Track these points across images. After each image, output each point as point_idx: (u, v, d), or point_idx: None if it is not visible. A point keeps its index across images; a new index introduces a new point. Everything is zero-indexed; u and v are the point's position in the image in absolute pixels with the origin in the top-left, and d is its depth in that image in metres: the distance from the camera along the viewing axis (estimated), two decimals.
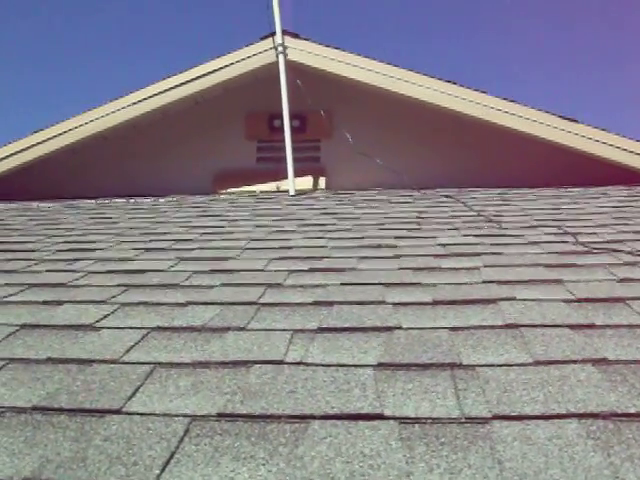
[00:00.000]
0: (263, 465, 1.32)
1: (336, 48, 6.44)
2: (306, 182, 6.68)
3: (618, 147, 5.92)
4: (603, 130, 5.99)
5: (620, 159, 5.92)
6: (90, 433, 1.48)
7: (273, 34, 6.45)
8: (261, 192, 6.61)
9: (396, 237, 3.80)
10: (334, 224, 4.39)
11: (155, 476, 1.29)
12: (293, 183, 6.24)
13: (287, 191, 6.29)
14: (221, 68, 6.50)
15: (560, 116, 6.05)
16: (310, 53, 6.44)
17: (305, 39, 6.52)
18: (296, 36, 6.52)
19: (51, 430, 1.51)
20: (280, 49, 6.34)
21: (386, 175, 6.18)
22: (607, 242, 3.44)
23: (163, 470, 1.31)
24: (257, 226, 4.42)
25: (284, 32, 6.46)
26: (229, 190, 6.75)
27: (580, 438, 1.37)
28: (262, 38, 6.55)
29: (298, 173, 6.35)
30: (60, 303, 2.62)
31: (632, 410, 1.49)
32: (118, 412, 1.59)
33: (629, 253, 3.15)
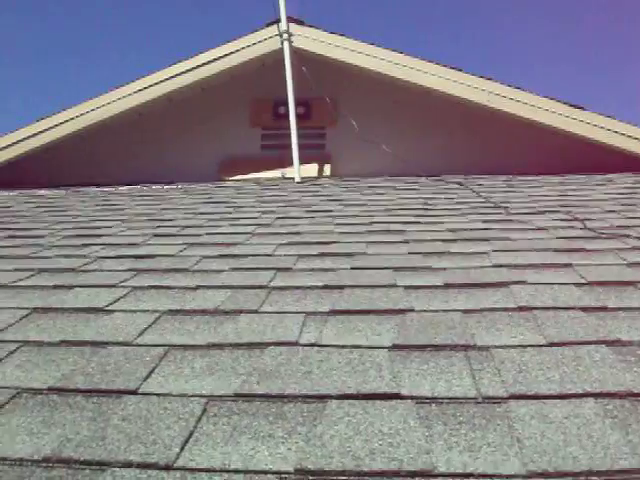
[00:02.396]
0: (282, 443, 1.33)
1: (341, 35, 6.42)
2: (311, 169, 6.67)
3: (624, 134, 5.90)
4: (610, 117, 5.98)
5: (627, 146, 5.90)
6: (107, 413, 1.49)
7: (278, 21, 6.43)
8: (266, 179, 6.59)
9: (404, 222, 3.80)
10: (341, 210, 4.39)
11: (175, 454, 1.30)
12: (298, 170, 6.23)
13: (292, 178, 6.27)
14: (226, 55, 6.48)
15: (567, 103, 6.03)
16: (315, 40, 6.42)
17: (310, 26, 6.50)
18: (301, 23, 6.50)
19: (68, 410, 1.51)
20: (285, 36, 6.32)
21: (392, 162, 6.18)
22: (615, 228, 3.44)
23: (182, 448, 1.32)
24: (264, 212, 4.42)
25: (289, 19, 6.44)
26: (235, 177, 6.74)
27: (597, 417, 1.38)
28: (267, 25, 6.53)
29: (303, 160, 6.34)
30: (71, 287, 2.62)
31: None
32: (134, 393, 1.59)
33: (637, 238, 3.14)
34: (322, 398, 1.52)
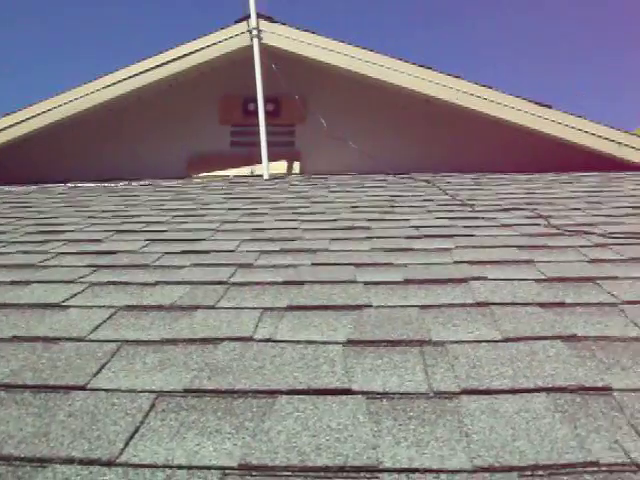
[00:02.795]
0: (228, 439, 1.31)
1: (311, 32, 6.39)
2: (280, 166, 6.65)
3: (592, 133, 5.94)
4: (577, 116, 6.01)
5: (594, 145, 5.94)
6: (54, 409, 1.46)
7: (248, 17, 6.39)
8: (235, 176, 6.56)
9: (369, 220, 3.79)
10: (307, 207, 4.37)
11: (119, 450, 1.28)
12: (267, 167, 6.20)
13: (261, 175, 6.24)
14: (196, 51, 6.43)
15: (534, 102, 6.05)
16: (285, 37, 6.39)
17: (280, 23, 6.47)
18: (271, 20, 6.47)
19: (14, 407, 1.49)
20: (255, 32, 6.28)
21: (360, 160, 6.17)
22: (579, 225, 3.45)
23: (127, 444, 1.30)
24: (230, 209, 4.39)
25: (259, 15, 6.40)
26: (203, 174, 6.70)
27: (548, 411, 1.38)
28: (237, 21, 6.48)
29: (272, 157, 6.32)
30: (28, 283, 2.58)
31: (600, 384, 1.49)
32: (83, 388, 1.57)
33: (600, 235, 3.16)
34: (272, 393, 1.50)
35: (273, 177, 6.21)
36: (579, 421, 1.33)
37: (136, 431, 1.35)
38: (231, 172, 6.67)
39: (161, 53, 6.48)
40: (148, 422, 1.39)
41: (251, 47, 6.30)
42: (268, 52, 6.32)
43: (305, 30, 6.41)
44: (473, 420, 1.35)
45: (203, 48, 6.42)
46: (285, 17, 6.56)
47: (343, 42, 6.33)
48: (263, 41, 6.33)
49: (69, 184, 6.33)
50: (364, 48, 6.31)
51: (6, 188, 6.20)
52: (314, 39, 6.35)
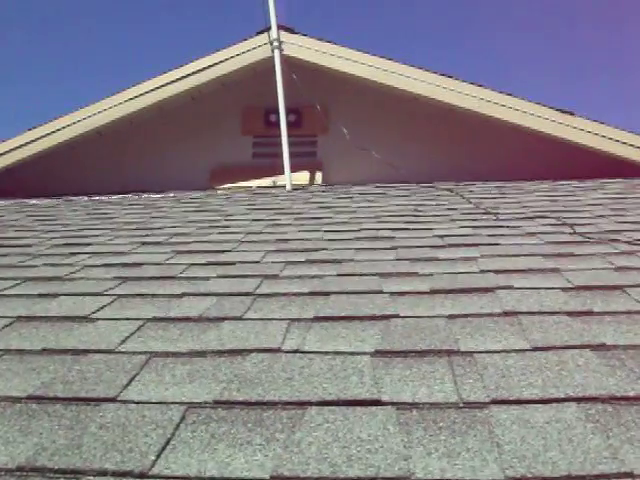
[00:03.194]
0: (260, 451, 1.31)
1: (331, 42, 6.43)
2: (303, 177, 6.67)
3: (614, 139, 5.92)
4: (599, 123, 5.99)
5: (616, 151, 5.92)
6: (85, 421, 1.47)
7: (268, 29, 6.44)
8: (258, 187, 6.59)
9: (393, 229, 3.79)
10: (331, 217, 4.38)
11: (151, 462, 1.28)
12: (290, 178, 6.22)
13: (284, 186, 6.26)
14: (217, 63, 6.49)
15: (556, 109, 6.05)
16: (306, 48, 6.43)
17: (300, 34, 6.51)
18: (291, 31, 6.51)
19: (46, 419, 1.49)
20: (275, 44, 6.33)
21: (383, 169, 6.18)
22: (604, 232, 3.43)
23: (159, 456, 1.30)
24: (253, 220, 4.41)
25: (279, 27, 6.45)
26: (226, 185, 6.74)
27: (579, 421, 1.37)
28: (258, 33, 6.54)
29: (295, 168, 6.34)
30: (56, 296, 2.61)
31: (631, 394, 1.48)
32: (114, 400, 1.58)
33: (626, 242, 3.14)
34: (302, 404, 1.50)
35: (295, 188, 6.23)
36: (611, 431, 1.32)
37: (167, 443, 1.35)
38: (253, 183, 6.70)
39: (183, 66, 6.54)
40: (179, 434, 1.39)
41: (272, 58, 6.35)
42: (289, 63, 6.36)
43: (326, 41, 6.44)
44: (504, 430, 1.34)
45: (225, 60, 6.49)
46: (302, 28, 6.59)
47: (364, 52, 6.38)
48: (284, 52, 6.38)
49: (93, 197, 6.38)
50: (385, 57, 6.35)
51: (31, 201, 6.27)
52: (335, 49, 6.39)
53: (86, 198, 6.33)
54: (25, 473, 1.26)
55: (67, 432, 1.42)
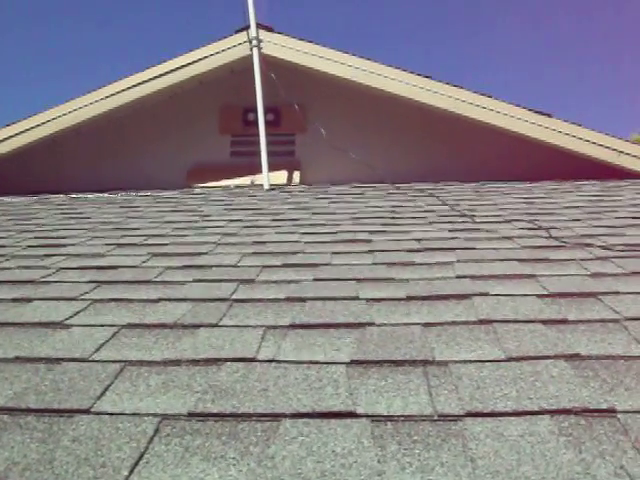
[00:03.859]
0: (234, 465, 1.31)
1: (310, 42, 6.41)
2: (281, 176, 6.66)
3: (591, 141, 5.95)
4: (577, 125, 6.03)
5: (593, 154, 5.95)
6: (58, 434, 1.46)
7: (248, 27, 6.42)
8: (235, 186, 6.57)
9: (370, 232, 3.79)
10: (308, 219, 4.37)
11: (123, 478, 1.27)
12: (267, 177, 6.20)
13: (262, 185, 6.25)
14: (195, 62, 6.45)
15: (534, 110, 6.07)
16: (284, 47, 6.41)
17: (279, 33, 6.49)
18: (270, 30, 6.49)
19: (18, 432, 1.48)
20: (254, 42, 6.31)
21: (361, 170, 6.18)
22: (580, 236, 3.45)
23: (132, 471, 1.29)
24: (230, 221, 4.40)
25: (259, 25, 6.42)
26: (203, 184, 6.71)
27: (552, 435, 1.37)
28: (237, 31, 6.51)
29: (273, 167, 6.32)
30: (30, 300, 2.58)
31: (604, 406, 1.49)
32: (87, 412, 1.56)
33: (601, 247, 3.16)
34: (277, 417, 1.50)
35: (273, 187, 6.22)
36: (584, 445, 1.33)
37: (141, 457, 1.35)
38: (231, 182, 6.68)
39: (161, 63, 6.50)
40: (153, 447, 1.39)
41: (251, 57, 6.32)
42: (268, 62, 6.33)
43: (306, 41, 6.42)
44: (478, 444, 1.35)
45: (203, 58, 6.45)
46: (284, 29, 6.57)
47: (343, 52, 6.37)
48: (263, 51, 6.36)
49: (70, 195, 6.34)
50: (363, 57, 6.33)
51: (7, 199, 6.21)
52: (314, 49, 6.38)
53: (63, 196, 6.28)
54: None
55: (39, 446, 1.40)
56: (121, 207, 5.39)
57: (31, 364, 1.89)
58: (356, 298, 2.43)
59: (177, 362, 1.86)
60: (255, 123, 6.32)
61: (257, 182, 6.51)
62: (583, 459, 1.28)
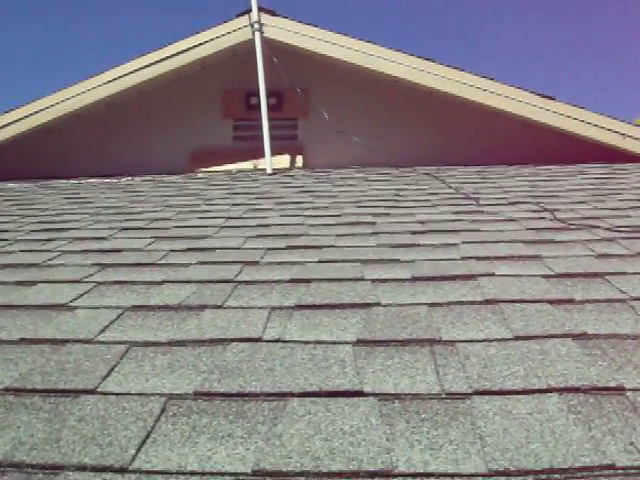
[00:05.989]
0: (241, 444, 1.30)
1: (312, 25, 6.37)
2: (283, 160, 6.63)
3: (595, 125, 5.92)
4: (581, 108, 5.99)
5: (598, 137, 5.92)
6: (64, 414, 1.45)
7: (249, 11, 6.37)
8: (238, 171, 6.54)
9: (374, 214, 3.78)
10: (311, 202, 4.36)
11: (131, 456, 1.27)
12: (270, 162, 6.18)
13: (264, 170, 6.22)
14: (197, 46, 6.41)
15: (538, 93, 6.03)
16: (286, 30, 6.37)
17: (281, 16, 6.45)
18: (272, 13, 6.44)
19: (24, 412, 1.47)
20: (256, 26, 6.26)
21: (364, 153, 6.15)
22: (585, 218, 3.44)
23: (139, 450, 1.29)
24: (234, 204, 4.38)
25: (260, 9, 6.38)
26: (206, 169, 6.68)
27: (561, 412, 1.37)
28: (238, 15, 6.46)
29: (275, 151, 6.29)
30: (34, 283, 2.58)
31: (612, 384, 1.48)
32: (93, 392, 1.56)
33: (607, 229, 3.15)
34: (284, 396, 1.49)
35: (276, 171, 6.19)
36: (593, 422, 1.32)
37: (148, 436, 1.34)
38: (234, 167, 6.65)
39: (162, 48, 6.46)
40: (159, 427, 1.38)
41: (253, 41, 6.28)
42: (270, 46, 6.29)
43: (307, 24, 6.38)
44: (486, 422, 1.34)
45: (205, 42, 6.41)
46: (283, 11, 6.53)
47: (344, 34, 6.32)
48: (265, 35, 6.31)
49: (72, 180, 6.32)
50: (365, 40, 6.29)
51: (9, 185, 6.20)
52: (316, 32, 6.33)
53: (65, 181, 6.27)
54: (3, 469, 1.24)
55: (45, 426, 1.40)
56: (124, 192, 5.38)
57: (36, 345, 1.89)
58: (361, 279, 2.42)
59: (182, 343, 1.85)
60: (258, 107, 6.28)
61: (260, 166, 6.48)
62: (593, 436, 1.27)
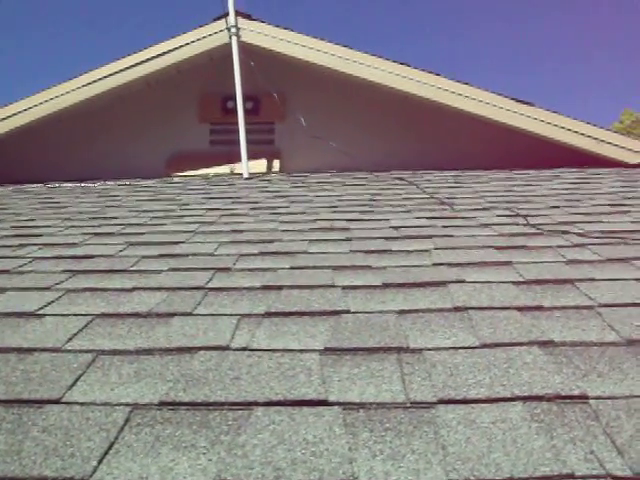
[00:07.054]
0: (204, 454, 1.30)
1: (289, 29, 6.37)
2: (260, 165, 6.63)
3: (570, 129, 5.96)
4: (555, 113, 6.03)
5: (573, 142, 5.96)
6: (27, 424, 1.44)
7: (226, 15, 6.36)
8: (214, 175, 6.53)
9: (348, 220, 3.78)
10: (287, 207, 4.36)
11: (92, 468, 1.26)
12: (247, 166, 6.17)
13: (241, 174, 6.22)
14: (173, 50, 6.39)
15: (514, 99, 6.07)
16: (263, 34, 6.37)
17: (258, 20, 6.44)
18: (249, 17, 6.44)
19: None
20: (233, 30, 6.26)
21: (340, 158, 6.16)
22: (558, 224, 3.46)
23: (101, 461, 1.28)
24: (209, 209, 4.37)
25: (237, 13, 6.37)
26: (182, 173, 6.67)
27: (524, 421, 1.37)
28: (215, 19, 6.45)
29: (252, 156, 6.29)
30: (3, 290, 2.55)
31: (576, 392, 1.49)
32: (57, 402, 1.55)
33: (578, 234, 3.17)
34: (249, 405, 1.49)
35: (253, 176, 6.19)
36: (555, 431, 1.33)
37: (110, 447, 1.33)
38: (210, 171, 6.64)
39: (139, 52, 6.44)
40: (123, 437, 1.37)
41: (230, 45, 6.27)
42: (247, 50, 6.29)
43: (284, 28, 6.39)
44: (449, 431, 1.34)
45: (181, 46, 6.39)
46: (260, 16, 6.52)
47: (320, 39, 6.32)
48: (242, 39, 6.31)
49: (47, 184, 6.28)
50: (342, 45, 6.30)
51: None
52: (293, 37, 6.34)
53: (40, 186, 6.23)
54: None
55: (7, 437, 1.39)
56: (99, 196, 5.35)
57: (2, 355, 1.87)
58: (332, 286, 2.42)
59: (150, 351, 1.85)
60: (234, 111, 6.27)
61: (236, 171, 6.48)
62: (554, 445, 1.28)
